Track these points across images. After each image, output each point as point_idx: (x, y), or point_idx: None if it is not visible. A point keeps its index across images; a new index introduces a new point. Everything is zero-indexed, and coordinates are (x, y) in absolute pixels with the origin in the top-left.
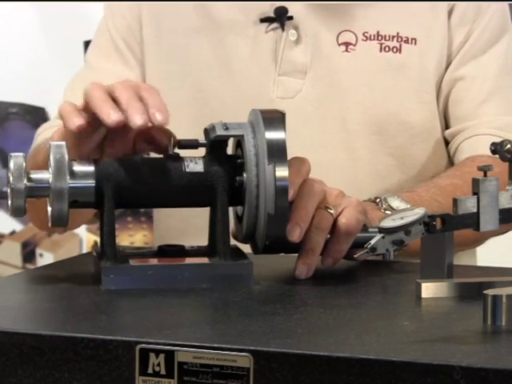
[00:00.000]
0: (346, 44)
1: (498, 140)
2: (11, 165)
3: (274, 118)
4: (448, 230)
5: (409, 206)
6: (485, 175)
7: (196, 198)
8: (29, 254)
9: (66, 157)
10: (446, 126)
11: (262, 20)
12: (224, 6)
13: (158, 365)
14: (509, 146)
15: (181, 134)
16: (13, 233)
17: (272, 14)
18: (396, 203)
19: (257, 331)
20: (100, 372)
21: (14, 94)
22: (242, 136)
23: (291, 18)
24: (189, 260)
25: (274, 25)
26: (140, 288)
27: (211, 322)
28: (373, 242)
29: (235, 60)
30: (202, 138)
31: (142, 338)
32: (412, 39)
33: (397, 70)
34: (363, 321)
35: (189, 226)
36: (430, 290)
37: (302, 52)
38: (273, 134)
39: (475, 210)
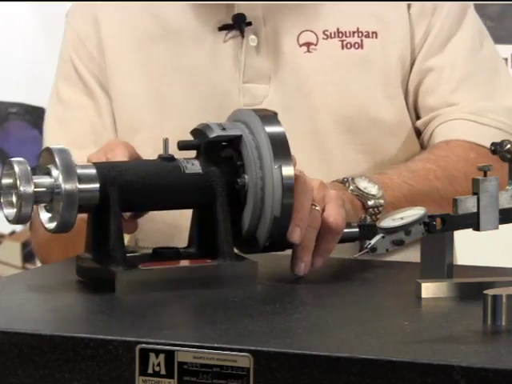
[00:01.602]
0: (307, 44)
1: (472, 124)
2: (16, 170)
3: (269, 117)
4: (448, 229)
5: (377, 187)
6: (485, 175)
7: (196, 198)
8: (29, 254)
9: (73, 159)
10: (418, 118)
11: (221, 28)
12: (179, 14)
13: (158, 365)
14: (509, 146)
15: (147, 152)
16: (13, 233)
17: (229, 21)
18: (364, 184)
19: (257, 331)
20: (100, 372)
21: (14, 93)
22: (241, 136)
23: (250, 23)
24: (197, 262)
25: (233, 32)
26: (155, 292)
27: (211, 321)
28: (373, 241)
29: (197, 70)
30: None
31: (141, 338)
32: (372, 33)
33: (360, 65)
34: (363, 321)
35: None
36: (429, 289)
37: (264, 57)
38: (274, 134)
39: (475, 210)
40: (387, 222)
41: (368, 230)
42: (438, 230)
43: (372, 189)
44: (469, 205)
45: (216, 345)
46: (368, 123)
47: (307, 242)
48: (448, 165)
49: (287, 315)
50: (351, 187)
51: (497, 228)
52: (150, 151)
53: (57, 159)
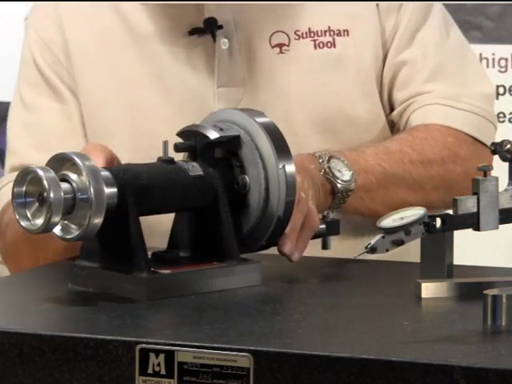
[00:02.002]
0: (280, 45)
1: (447, 109)
2: (43, 176)
3: (260, 114)
4: (448, 229)
5: (351, 173)
6: (485, 175)
7: (199, 200)
8: None
9: (93, 163)
10: (392, 111)
11: (191, 32)
12: (148, 18)
13: (158, 365)
14: (509, 145)
15: (121, 157)
16: None
17: (200, 25)
18: (338, 167)
19: (257, 331)
20: (100, 372)
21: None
22: (239, 136)
23: (221, 27)
24: (208, 265)
25: (205, 36)
26: (179, 296)
27: (211, 321)
28: (373, 241)
29: (171, 75)
30: (145, 159)
31: (141, 338)
32: (344, 31)
33: (334, 65)
34: (363, 321)
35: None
36: (429, 289)
37: (237, 60)
38: (272, 132)
39: (475, 210)
40: (387, 222)
41: (333, 226)
42: (438, 230)
43: (346, 173)
44: (469, 205)
45: (216, 345)
46: (344, 122)
47: (295, 225)
48: (424, 148)
49: (287, 315)
50: (325, 167)
51: (497, 228)
52: (124, 156)
53: (80, 163)
